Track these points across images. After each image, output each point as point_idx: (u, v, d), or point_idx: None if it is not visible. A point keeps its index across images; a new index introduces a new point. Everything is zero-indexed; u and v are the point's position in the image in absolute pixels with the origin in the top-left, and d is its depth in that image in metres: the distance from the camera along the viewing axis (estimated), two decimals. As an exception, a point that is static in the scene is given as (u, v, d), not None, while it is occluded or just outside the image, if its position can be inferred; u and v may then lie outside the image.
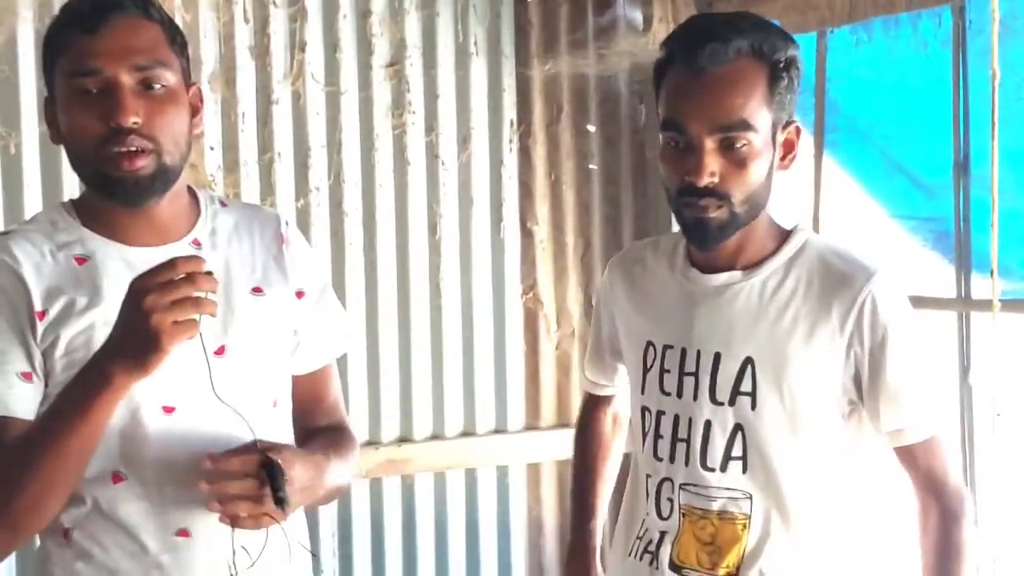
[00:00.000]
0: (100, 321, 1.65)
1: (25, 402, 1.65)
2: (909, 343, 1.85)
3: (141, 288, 1.50)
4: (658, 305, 1.99)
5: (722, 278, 1.90)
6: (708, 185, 1.78)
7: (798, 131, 1.88)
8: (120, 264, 1.70)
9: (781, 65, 1.81)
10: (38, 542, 1.77)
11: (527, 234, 3.72)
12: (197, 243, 1.79)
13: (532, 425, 3.75)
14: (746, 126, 1.77)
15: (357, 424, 3.43)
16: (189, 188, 1.84)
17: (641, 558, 1.97)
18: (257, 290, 1.81)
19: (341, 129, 3.43)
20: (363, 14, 3.45)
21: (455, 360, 3.62)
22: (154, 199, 1.71)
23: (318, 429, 1.92)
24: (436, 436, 3.61)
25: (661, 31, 3.52)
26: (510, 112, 3.67)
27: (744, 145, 1.78)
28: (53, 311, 1.67)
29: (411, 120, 3.52)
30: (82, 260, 1.72)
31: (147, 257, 1.67)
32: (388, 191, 3.51)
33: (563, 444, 3.74)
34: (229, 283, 1.79)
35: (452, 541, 3.64)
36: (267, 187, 3.35)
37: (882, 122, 3.23)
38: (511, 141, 3.67)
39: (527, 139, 3.70)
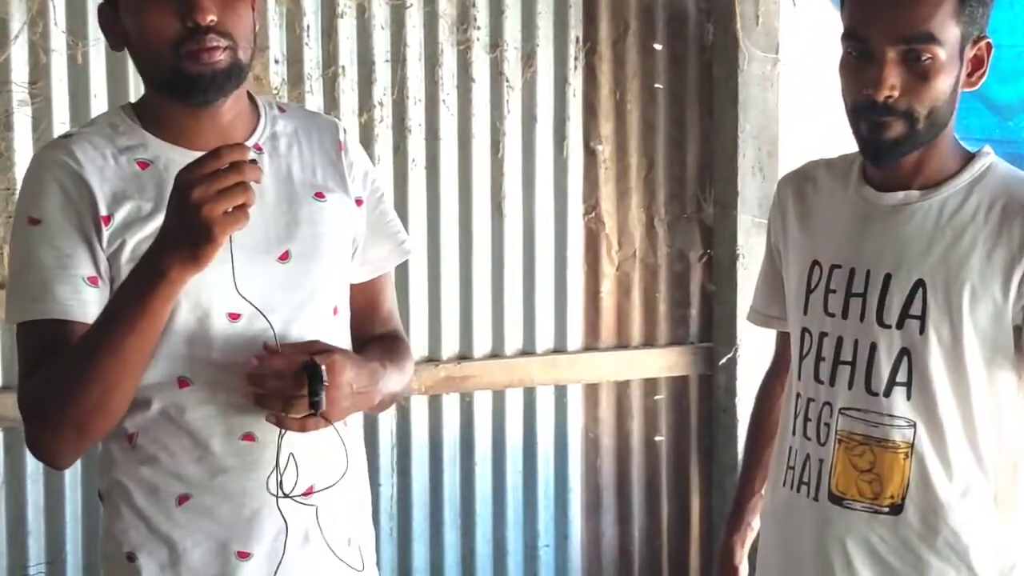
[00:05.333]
0: None
1: (92, 307, 1.65)
2: None
3: (188, 180, 1.49)
4: (828, 224, 1.93)
5: (898, 197, 1.84)
6: (887, 99, 1.73)
7: (989, 47, 1.80)
8: None
9: None
10: (100, 447, 1.78)
11: (590, 153, 3.68)
12: (259, 148, 1.79)
13: (591, 345, 3.74)
14: (931, 39, 1.71)
15: (417, 341, 3.46)
16: (248, 94, 1.83)
17: (798, 489, 1.92)
18: (319, 195, 1.81)
19: (406, 44, 3.40)
20: (429, -73, 3.42)
21: (515, 279, 3.61)
22: (225, 96, 1.71)
23: (373, 337, 1.91)
24: (495, 354, 3.61)
25: (730, -53, 3.46)
26: (576, 29, 3.62)
27: (928, 59, 1.71)
28: (119, 216, 1.68)
29: (476, 36, 3.49)
30: (145, 164, 1.72)
31: None
32: (451, 108, 3.49)
33: (621, 365, 3.76)
34: (292, 188, 1.79)
35: (509, 459, 3.65)
36: (331, 101, 3.34)
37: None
38: (576, 59, 3.63)
39: (592, 57, 3.65)
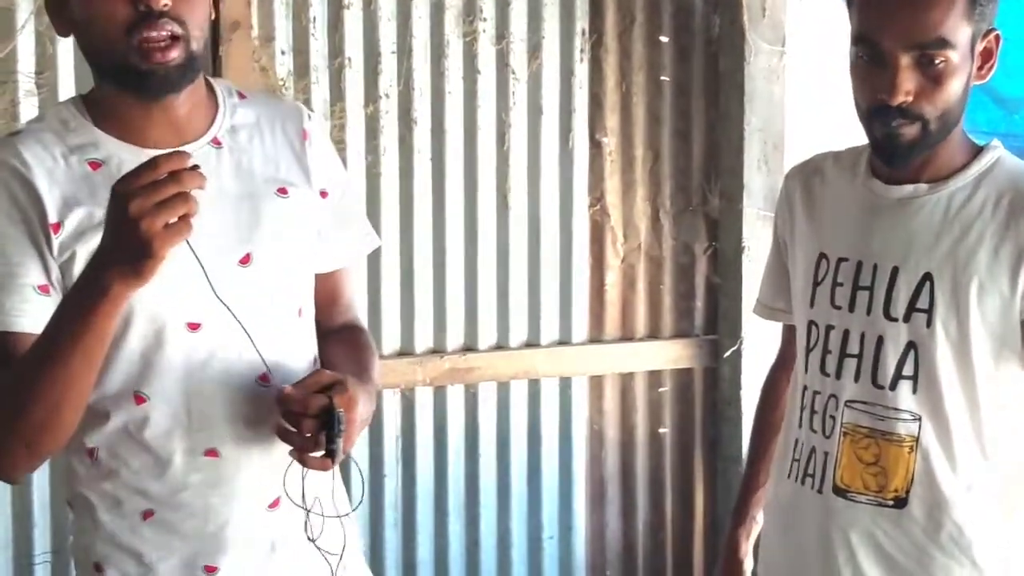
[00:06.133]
0: None
1: (41, 317, 1.56)
2: None
3: (124, 193, 1.39)
4: (835, 217, 1.93)
5: (906, 190, 1.84)
6: (902, 104, 1.72)
7: (997, 39, 1.80)
8: None
9: None
10: (63, 460, 1.74)
11: (596, 146, 3.68)
12: (217, 142, 1.71)
13: (596, 337, 3.74)
14: (945, 43, 1.70)
15: (421, 333, 3.47)
16: (206, 81, 1.75)
17: (803, 481, 1.93)
18: (282, 191, 1.74)
19: (412, 35, 3.40)
20: (435, -81, 3.42)
21: (520, 271, 3.61)
22: (179, 91, 1.63)
23: (335, 330, 1.87)
24: (500, 346, 3.61)
25: (737, -60, 3.46)
26: (582, 21, 3.61)
27: (942, 62, 1.71)
28: (69, 224, 1.60)
29: (482, 28, 3.48)
30: (96, 164, 1.64)
31: None
32: (457, 99, 3.48)
33: (626, 357, 3.76)
34: (253, 185, 1.71)
35: (514, 451, 3.65)
36: (337, 93, 3.33)
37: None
38: (582, 51, 3.63)
39: (599, 49, 3.64)
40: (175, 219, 1.40)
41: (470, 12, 3.47)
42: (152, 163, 1.40)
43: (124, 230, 1.40)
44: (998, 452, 1.84)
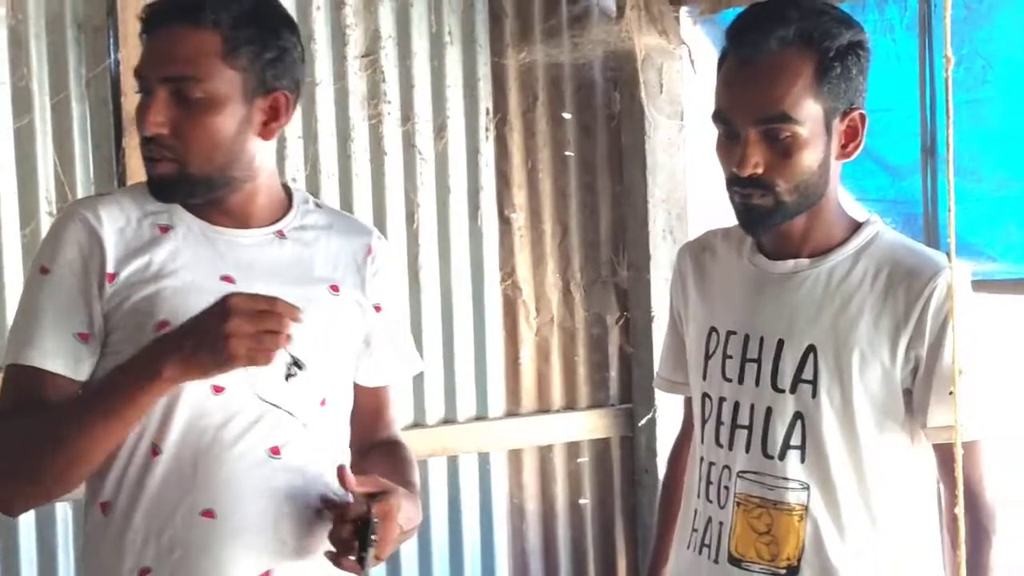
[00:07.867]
0: (169, 289, 1.72)
1: (76, 362, 1.71)
2: (970, 341, 1.82)
3: (234, 307, 1.56)
4: (723, 291, 1.99)
5: (788, 265, 1.90)
6: (752, 175, 1.79)
7: (863, 118, 1.85)
8: (201, 238, 1.78)
9: (832, 53, 1.78)
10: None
11: (505, 222, 3.73)
12: (281, 234, 1.84)
13: (512, 412, 3.77)
14: (787, 118, 1.77)
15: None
16: (285, 187, 1.90)
17: (700, 551, 1.96)
18: (334, 288, 1.85)
19: (317, 120, 3.44)
20: (337, 5, 3.46)
21: (435, 348, 3.64)
22: (191, 199, 1.77)
23: (378, 443, 1.97)
24: (417, 424, 3.62)
25: (633, 19, 3.54)
26: (486, 101, 3.68)
27: (788, 136, 1.78)
28: (124, 274, 1.73)
29: (387, 110, 3.53)
30: (165, 229, 1.78)
31: (229, 236, 1.79)
32: (365, 181, 3.52)
33: (543, 430, 3.79)
34: (309, 276, 1.84)
35: (435, 528, 3.65)
36: (244, 179, 3.35)
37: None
38: (487, 130, 3.69)
39: (503, 128, 3.71)
40: (259, 350, 1.57)
41: (375, 95, 3.52)
42: (272, 300, 1.59)
43: (214, 334, 1.56)
44: (887, 520, 1.87)
